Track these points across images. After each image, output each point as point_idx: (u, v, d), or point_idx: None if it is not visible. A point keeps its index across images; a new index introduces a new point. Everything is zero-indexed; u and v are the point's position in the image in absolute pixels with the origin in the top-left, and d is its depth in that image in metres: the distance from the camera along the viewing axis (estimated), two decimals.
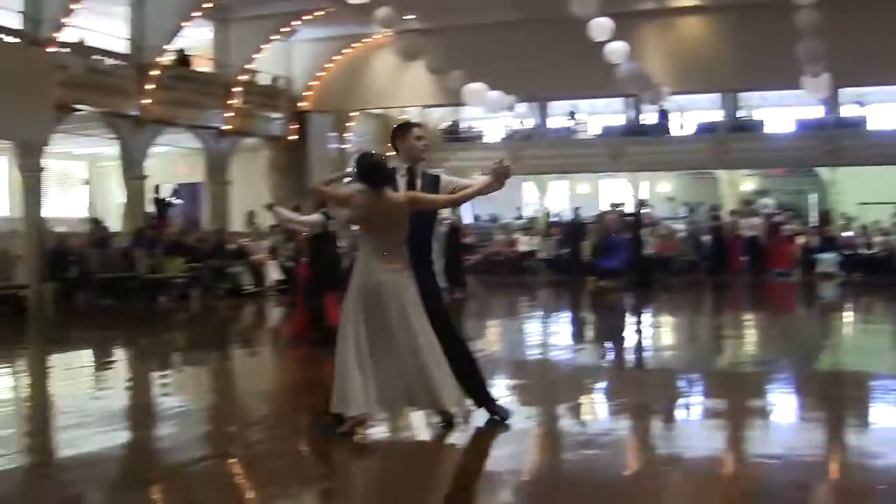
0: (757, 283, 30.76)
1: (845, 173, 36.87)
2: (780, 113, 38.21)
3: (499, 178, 8.56)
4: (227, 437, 9.13)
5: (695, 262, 34.03)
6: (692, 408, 10.57)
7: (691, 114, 39.35)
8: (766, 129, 37.68)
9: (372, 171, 8.34)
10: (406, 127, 9.16)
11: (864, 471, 7.50)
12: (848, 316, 22.54)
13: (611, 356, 15.33)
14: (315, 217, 14.93)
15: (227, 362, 15.26)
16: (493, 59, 29.32)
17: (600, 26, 23.93)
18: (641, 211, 31.10)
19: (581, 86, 31.40)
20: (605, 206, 35.90)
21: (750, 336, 18.09)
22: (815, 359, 14.83)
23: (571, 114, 41.41)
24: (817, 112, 36.71)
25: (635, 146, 38.25)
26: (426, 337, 8.26)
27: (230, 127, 31.39)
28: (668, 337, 18.40)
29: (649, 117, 39.79)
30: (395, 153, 8.96)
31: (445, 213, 26.11)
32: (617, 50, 25.08)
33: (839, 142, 34.92)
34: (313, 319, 15.14)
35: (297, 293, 16.20)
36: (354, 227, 8.63)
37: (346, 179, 9.03)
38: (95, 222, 26.44)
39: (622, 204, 31.55)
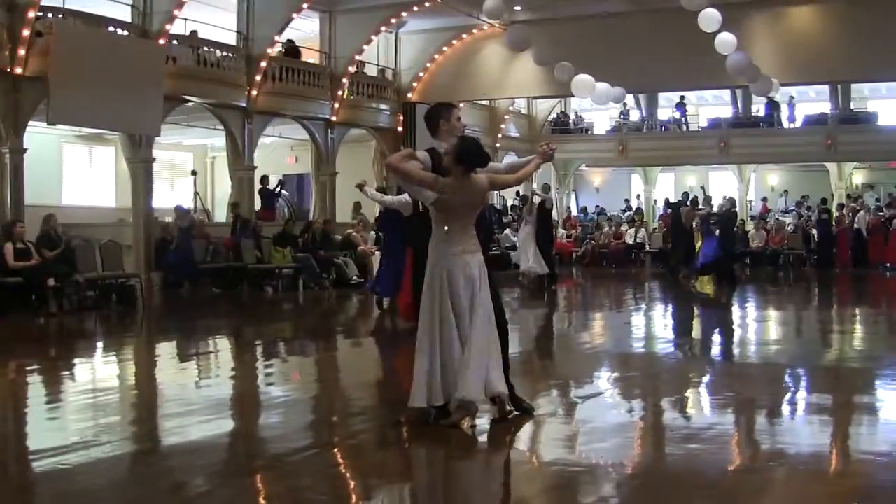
0: (866, 278, 30.29)
1: None
2: (893, 105, 37.66)
3: (544, 158, 9.08)
4: (331, 426, 9.25)
5: (803, 255, 33.69)
6: (797, 403, 10.45)
7: (800, 105, 38.90)
8: (880, 122, 37.09)
9: (474, 153, 8.37)
10: (449, 107, 9.20)
11: None
12: None
13: (715, 350, 15.20)
14: (404, 197, 14.68)
15: (332, 352, 15.36)
16: (600, 51, 29.24)
17: (709, 17, 23.73)
18: (732, 208, 30.46)
19: (689, 77, 31.22)
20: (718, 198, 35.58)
21: (857, 331, 17.81)
22: None
23: (680, 105, 41.15)
24: None
25: (743, 138, 37.99)
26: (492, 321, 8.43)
27: (338, 118, 31.64)
28: (773, 331, 18.18)
29: (758, 109, 39.42)
30: (435, 133, 8.96)
31: (536, 198, 25.88)
32: (726, 41, 24.84)
33: None
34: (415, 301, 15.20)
35: (405, 275, 16.04)
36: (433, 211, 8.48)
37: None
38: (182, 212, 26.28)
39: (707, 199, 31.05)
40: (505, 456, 7.96)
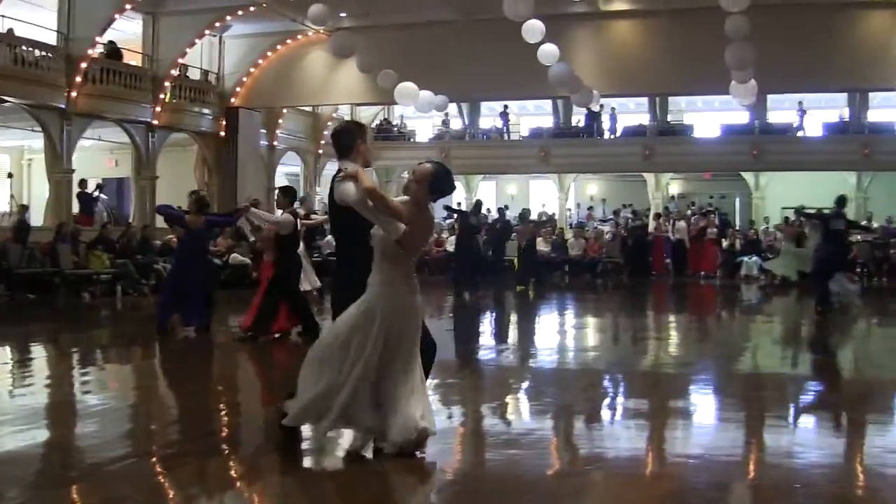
0: (680, 285, 31.06)
1: (770, 178, 37.42)
2: (707, 118, 38.65)
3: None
4: (150, 435, 9.07)
5: (620, 263, 34.41)
6: (615, 408, 10.67)
7: (620, 117, 39.68)
8: (695, 134, 38.03)
9: (449, 181, 7.70)
10: (364, 128, 8.54)
11: (781, 470, 7.64)
12: (768, 318, 22.72)
13: (534, 356, 15.37)
14: (288, 217, 14.98)
15: (150, 359, 15.06)
16: (425, 59, 29.36)
17: (533, 28, 24.02)
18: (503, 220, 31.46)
19: (512, 87, 31.53)
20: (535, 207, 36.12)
21: (672, 337, 18.26)
22: (736, 360, 15.00)
23: (503, 114, 41.59)
24: (743, 117, 37.14)
25: (564, 148, 38.50)
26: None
27: (159, 122, 31.13)
28: (591, 338, 18.53)
29: (579, 119, 40.06)
30: (346, 153, 8.08)
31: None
32: (548, 52, 25.19)
33: (765, 147, 35.38)
34: (263, 318, 15.17)
35: (259, 291, 15.86)
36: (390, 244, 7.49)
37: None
38: None
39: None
40: (326, 464, 7.92)
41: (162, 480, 7.46)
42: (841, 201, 20.37)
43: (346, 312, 7.65)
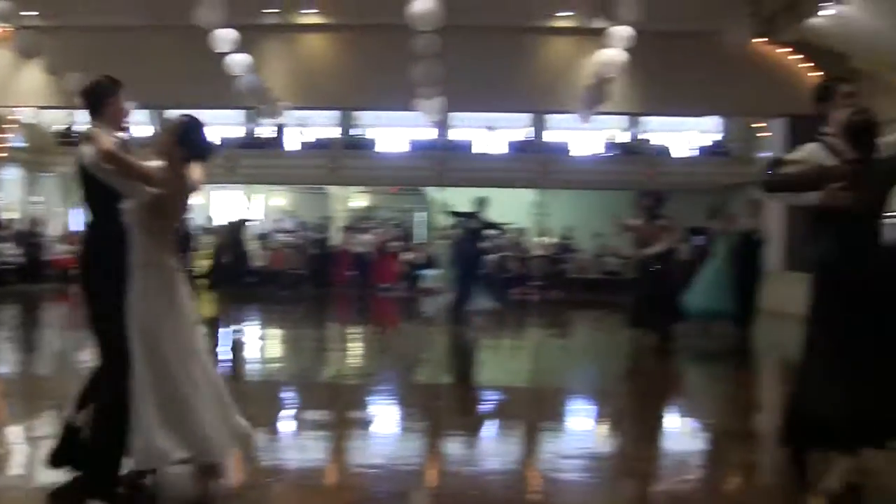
0: (363, 298, 31.39)
1: (453, 194, 38.28)
2: (397, 133, 39.15)
3: None
4: None
5: (304, 275, 34.57)
6: (296, 420, 10.75)
7: (310, 129, 39.76)
8: (377, 148, 38.48)
9: (201, 136, 6.95)
10: (118, 85, 7.70)
11: (460, 478, 7.94)
12: (444, 329, 23.14)
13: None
14: None
15: None
16: (115, 63, 28.49)
17: (223, 37, 23.91)
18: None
19: (200, 96, 31.10)
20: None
21: (353, 349, 18.51)
22: (415, 371, 15.36)
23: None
24: (432, 134, 37.81)
25: (251, 159, 38.19)
26: None
27: None
28: (272, 349, 18.56)
29: (266, 131, 39.87)
30: (96, 113, 7.48)
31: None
32: (238, 62, 25.13)
33: (448, 163, 36.16)
34: None
35: None
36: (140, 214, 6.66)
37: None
38: None
39: None
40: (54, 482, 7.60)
41: None
42: (478, 203, 21.51)
43: (131, 328, 6.65)
